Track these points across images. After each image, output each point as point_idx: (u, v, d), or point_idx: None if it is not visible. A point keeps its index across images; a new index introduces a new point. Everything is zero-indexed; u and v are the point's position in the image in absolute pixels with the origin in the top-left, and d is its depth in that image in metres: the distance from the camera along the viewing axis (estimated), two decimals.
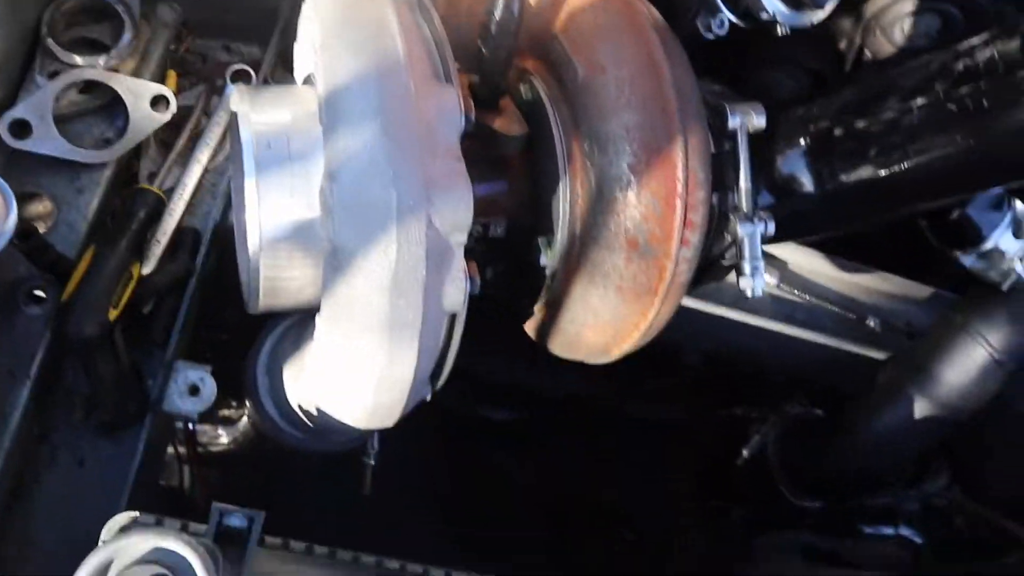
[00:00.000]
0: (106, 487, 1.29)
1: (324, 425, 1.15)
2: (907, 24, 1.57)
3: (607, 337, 1.13)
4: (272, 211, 0.99)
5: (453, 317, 0.98)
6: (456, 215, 0.90)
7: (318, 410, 1.09)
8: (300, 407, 1.18)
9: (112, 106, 1.36)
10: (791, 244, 1.76)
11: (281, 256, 1.01)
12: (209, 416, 1.90)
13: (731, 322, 1.72)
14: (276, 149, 1.00)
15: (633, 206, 1.02)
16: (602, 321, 1.11)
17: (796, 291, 1.75)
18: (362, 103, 0.88)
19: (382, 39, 0.91)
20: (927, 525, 2.01)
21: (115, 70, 1.35)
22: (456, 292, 0.93)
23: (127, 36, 1.35)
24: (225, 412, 1.86)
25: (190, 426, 1.80)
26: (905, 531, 2.04)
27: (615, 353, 1.17)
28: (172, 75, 1.45)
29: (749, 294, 1.15)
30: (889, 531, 2.02)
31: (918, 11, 1.55)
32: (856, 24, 1.64)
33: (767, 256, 1.76)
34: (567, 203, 1.07)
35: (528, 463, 2.04)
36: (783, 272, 1.76)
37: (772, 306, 1.77)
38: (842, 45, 1.69)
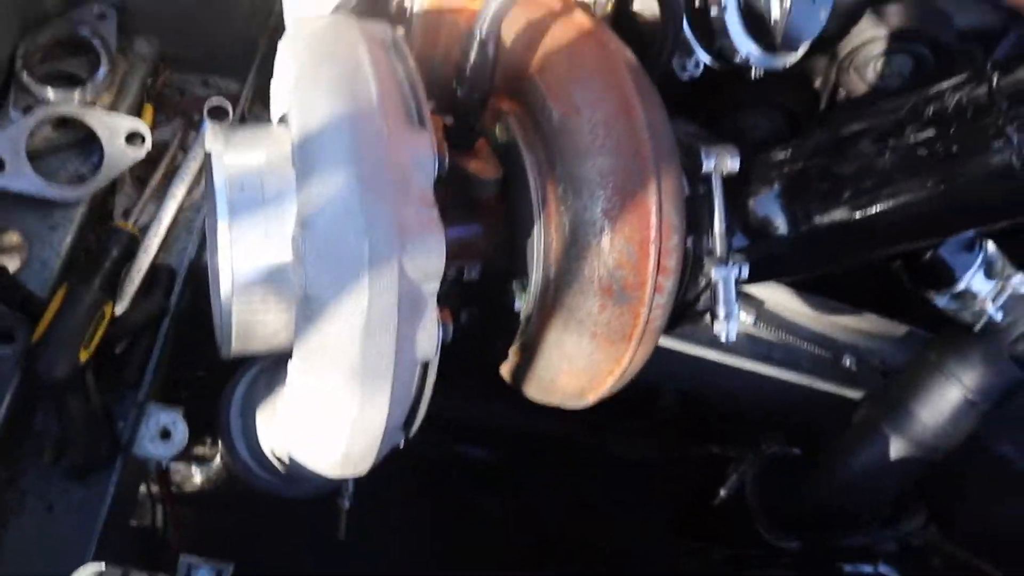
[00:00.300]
0: (76, 532, 1.26)
1: (296, 471, 1.14)
2: (879, 64, 1.59)
3: (581, 383, 1.12)
4: (245, 254, 0.98)
5: (426, 365, 0.97)
6: (429, 263, 0.89)
7: (290, 456, 1.08)
8: (272, 452, 1.17)
9: (87, 141, 1.35)
10: (768, 283, 1.77)
11: (254, 300, 1.00)
12: (183, 455, 1.88)
13: (707, 362, 1.73)
14: (250, 191, 0.99)
15: (607, 252, 1.01)
16: (576, 367, 1.10)
17: (773, 330, 1.75)
18: (335, 148, 0.88)
19: (356, 81, 0.91)
20: (905, 564, 2.01)
21: (91, 104, 1.34)
22: (428, 340, 0.93)
23: (103, 70, 1.34)
24: (199, 450, 1.83)
25: (163, 465, 1.79)
26: (884, 569, 2.04)
27: (590, 398, 1.16)
28: (149, 109, 1.44)
29: (723, 338, 1.15)
30: (868, 569, 2.03)
31: (890, 51, 1.57)
32: (831, 64, 1.66)
33: (744, 296, 1.78)
34: (541, 247, 1.07)
35: (507, 502, 2.02)
36: (760, 311, 1.77)
37: (749, 345, 1.77)
38: (817, 84, 1.72)
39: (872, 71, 1.61)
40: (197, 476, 1.82)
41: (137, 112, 1.41)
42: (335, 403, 0.91)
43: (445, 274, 1.11)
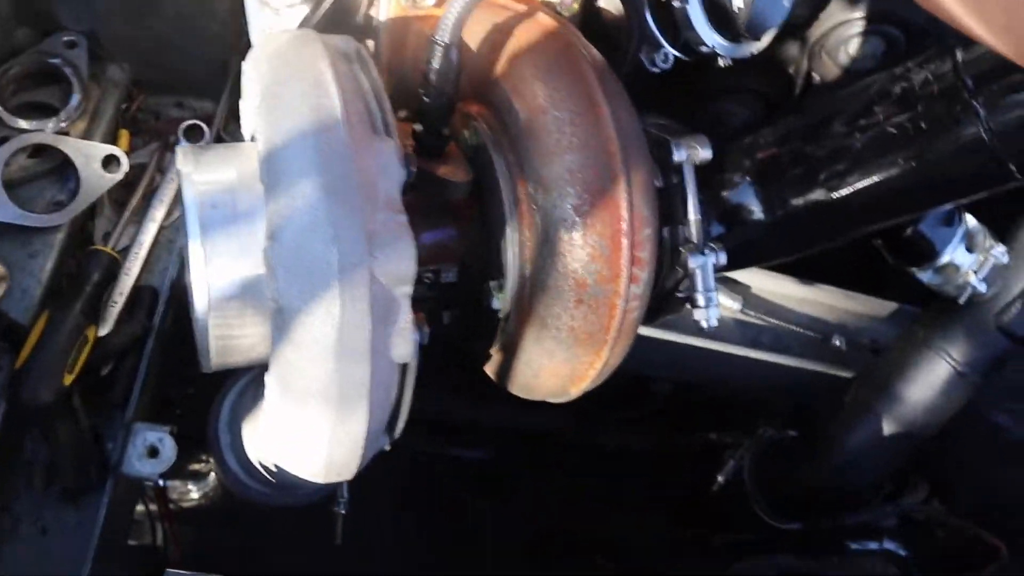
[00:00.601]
0: (70, 554, 1.27)
1: (285, 480, 1.14)
2: (851, 47, 1.60)
3: (563, 378, 1.13)
4: (219, 271, 0.99)
5: (404, 368, 0.98)
6: (400, 268, 0.90)
7: (276, 466, 1.09)
8: (259, 463, 1.17)
9: (63, 168, 1.36)
10: (753, 268, 1.78)
11: (231, 315, 1.01)
12: (179, 471, 1.90)
13: (697, 350, 1.73)
14: (222, 209, 1.00)
15: (580, 247, 1.02)
16: (557, 362, 1.11)
17: (761, 315, 1.76)
18: (300, 161, 0.88)
19: (319, 94, 0.91)
20: (911, 539, 2.02)
21: (65, 132, 1.35)
22: (405, 344, 0.93)
23: (75, 98, 1.35)
24: (195, 466, 1.84)
25: (160, 483, 1.80)
26: (890, 545, 2.04)
27: (573, 393, 1.17)
28: (124, 134, 1.45)
29: (704, 325, 1.16)
30: (874, 546, 2.03)
31: (861, 34, 1.57)
32: (802, 49, 1.66)
33: (730, 282, 1.78)
34: (515, 247, 1.08)
35: (502, 500, 2.02)
36: (747, 296, 1.77)
37: (737, 331, 1.78)
38: (791, 70, 1.72)
39: (844, 54, 1.61)
40: (194, 492, 1.84)
41: (113, 137, 1.42)
42: (313, 413, 0.92)
43: (422, 277, 1.13)
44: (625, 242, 1.02)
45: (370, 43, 1.23)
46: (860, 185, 1.20)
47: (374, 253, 0.88)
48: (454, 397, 1.90)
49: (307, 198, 0.87)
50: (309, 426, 0.94)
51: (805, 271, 1.81)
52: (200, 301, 1.00)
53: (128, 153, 1.41)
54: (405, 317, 0.93)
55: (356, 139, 0.90)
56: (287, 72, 0.94)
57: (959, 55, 1.10)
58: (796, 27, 1.63)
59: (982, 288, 1.53)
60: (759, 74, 1.70)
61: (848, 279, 1.85)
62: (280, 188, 0.89)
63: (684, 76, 1.42)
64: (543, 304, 1.07)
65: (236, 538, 1.87)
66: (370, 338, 0.89)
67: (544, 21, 1.12)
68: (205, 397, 1.35)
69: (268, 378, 0.96)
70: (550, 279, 1.05)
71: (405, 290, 0.92)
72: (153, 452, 1.25)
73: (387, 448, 1.09)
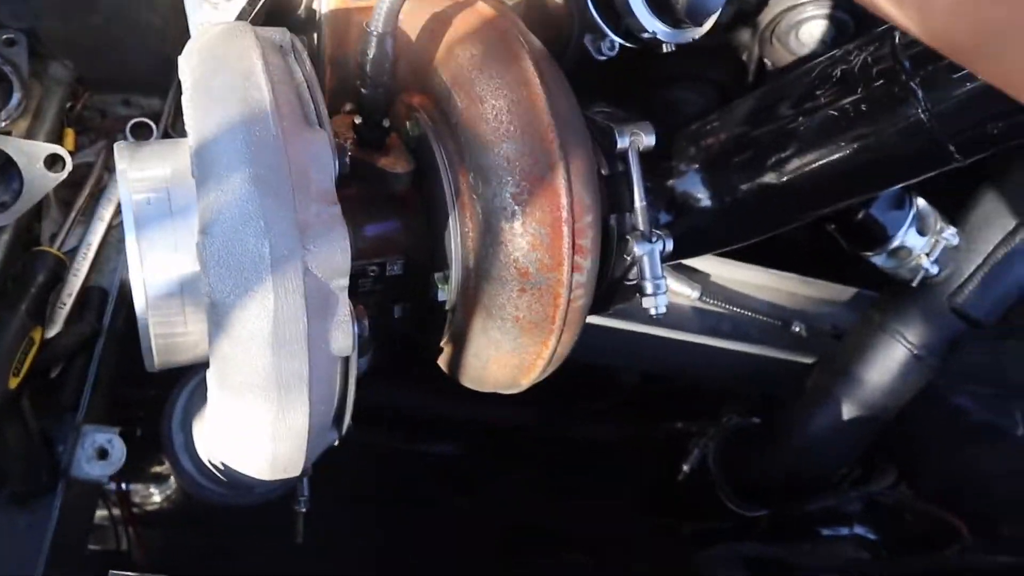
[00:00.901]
0: (22, 559, 1.25)
1: (238, 479, 1.13)
2: (801, 32, 1.60)
3: (512, 368, 1.13)
4: (156, 268, 0.98)
5: (346, 360, 0.97)
6: (334, 260, 0.89)
7: (224, 464, 1.08)
8: (210, 462, 1.17)
9: (5, 169, 1.34)
10: (712, 256, 1.78)
11: (171, 312, 1.01)
12: (141, 474, 1.88)
13: (657, 339, 1.73)
14: (156, 205, 1.00)
15: (520, 236, 1.02)
16: (504, 353, 1.10)
17: (720, 303, 1.76)
18: (229, 153, 0.87)
19: (248, 87, 0.90)
20: (880, 523, 2.03)
21: (7, 132, 1.33)
22: (344, 337, 0.92)
23: (16, 97, 1.33)
24: (157, 469, 1.83)
25: (123, 486, 1.78)
26: (860, 530, 2.06)
27: (524, 383, 1.17)
28: (70, 133, 1.43)
29: (653, 312, 1.15)
30: (845, 531, 2.04)
31: (810, 18, 1.58)
32: (753, 35, 1.67)
33: (689, 270, 1.79)
34: (458, 237, 1.07)
35: (472, 496, 2.02)
36: (706, 284, 1.78)
37: (697, 319, 1.78)
38: (744, 57, 1.73)
39: (794, 40, 1.62)
40: (156, 495, 1.82)
41: (58, 136, 1.40)
42: (253, 409, 0.91)
43: (366, 270, 1.13)
44: (566, 230, 1.02)
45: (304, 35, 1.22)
46: (806, 169, 1.21)
47: (307, 245, 0.88)
48: (419, 392, 1.89)
49: (237, 191, 0.86)
50: (250, 422, 0.93)
51: (768, 258, 1.81)
52: (138, 299, 0.99)
53: (74, 152, 1.39)
54: (343, 310, 0.92)
55: (286, 130, 0.90)
56: (216, 64, 0.93)
57: (897, 37, 1.10)
58: (747, 13, 1.64)
59: (934, 270, 1.54)
60: (712, 61, 1.70)
61: (814, 266, 1.86)
62: (210, 182, 0.88)
63: (636, 64, 1.42)
64: (487, 294, 1.07)
65: (201, 539, 1.85)
66: (306, 331, 0.88)
67: (483, 10, 1.11)
68: (165, 399, 1.34)
69: (208, 374, 0.95)
70: (493, 269, 1.05)
71: (341, 282, 0.91)
72: (103, 454, 1.24)
73: (336, 443, 1.09)
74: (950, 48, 0.75)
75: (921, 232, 1.51)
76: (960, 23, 0.67)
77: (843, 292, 1.84)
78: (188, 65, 0.97)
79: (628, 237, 1.15)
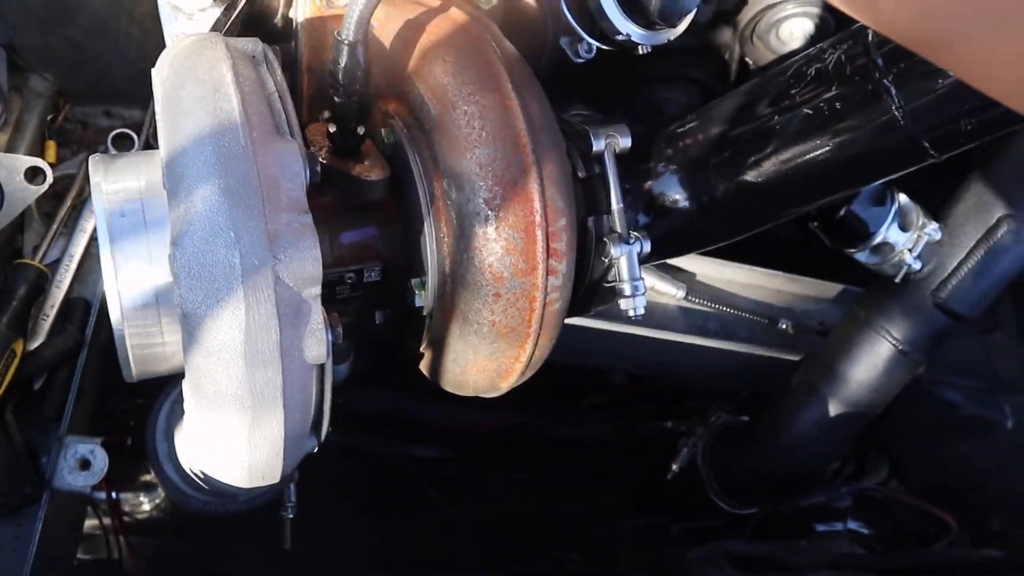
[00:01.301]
0: (8, 571, 1.26)
1: (220, 487, 1.14)
2: (781, 30, 1.60)
3: (490, 373, 1.13)
4: (131, 280, 0.99)
5: (321, 368, 0.97)
6: (305, 268, 0.89)
7: (204, 473, 1.08)
8: (191, 470, 1.17)
9: None
10: (698, 255, 1.78)
11: (146, 324, 1.01)
12: (131, 483, 1.89)
13: (644, 339, 1.74)
14: (131, 217, 1.00)
15: (494, 241, 1.02)
16: (482, 357, 1.11)
17: (706, 302, 1.77)
18: (199, 164, 0.88)
19: (217, 98, 0.91)
20: (873, 518, 2.04)
21: None
22: (317, 344, 0.93)
23: None
24: (146, 478, 1.83)
25: (113, 495, 1.79)
26: (853, 525, 2.06)
27: (503, 387, 1.17)
28: (51, 145, 1.44)
29: (632, 314, 1.15)
30: (840, 527, 2.05)
31: (790, 16, 1.58)
32: (734, 35, 1.67)
33: (674, 269, 1.79)
34: (434, 243, 1.08)
35: (462, 499, 2.02)
36: (691, 284, 1.78)
37: (683, 319, 1.79)
38: (726, 57, 1.73)
39: (775, 38, 1.62)
40: (145, 504, 1.83)
41: (39, 148, 1.41)
42: (227, 418, 0.91)
43: (344, 277, 1.13)
44: (539, 234, 1.02)
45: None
46: (783, 168, 1.21)
47: (277, 255, 0.88)
48: (405, 396, 1.90)
49: (207, 202, 0.86)
50: (226, 431, 0.93)
51: (754, 256, 1.82)
52: (114, 311, 0.99)
53: (56, 164, 1.40)
54: (316, 318, 0.93)
55: (256, 141, 0.90)
56: (186, 76, 0.93)
57: (871, 35, 1.11)
58: (727, 13, 1.64)
59: (917, 266, 1.54)
60: (694, 61, 1.70)
61: (800, 264, 1.86)
62: (181, 193, 0.88)
63: (618, 65, 1.42)
64: (463, 300, 1.07)
65: (191, 547, 1.86)
66: (279, 340, 0.88)
67: (456, 16, 1.12)
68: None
69: (184, 384, 0.95)
70: (468, 274, 1.05)
71: (314, 291, 0.92)
72: (85, 464, 1.24)
73: (315, 450, 1.09)
74: (900, 35, 0.75)
75: (903, 228, 1.52)
76: (906, 10, 0.67)
77: (829, 289, 1.84)
78: (159, 77, 0.98)
79: (606, 239, 1.15)
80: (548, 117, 1.08)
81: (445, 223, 1.07)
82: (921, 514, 1.92)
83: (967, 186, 1.59)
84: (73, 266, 1.38)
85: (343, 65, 1.02)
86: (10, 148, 1.37)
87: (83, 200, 1.44)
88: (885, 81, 1.09)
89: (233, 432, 0.93)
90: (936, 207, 1.59)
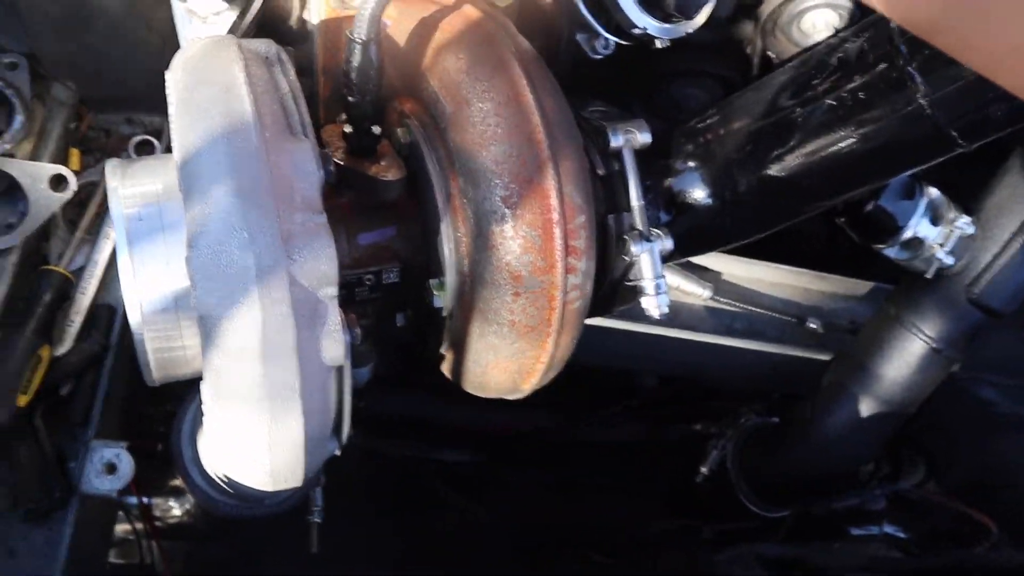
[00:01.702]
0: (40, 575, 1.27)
1: (245, 490, 1.14)
2: (803, 22, 1.57)
3: (511, 373, 1.12)
4: (149, 283, 0.99)
5: (340, 370, 0.97)
6: (320, 268, 0.89)
7: (227, 476, 1.08)
8: (215, 474, 1.17)
9: (11, 190, 1.36)
10: (724, 254, 1.76)
11: (166, 327, 1.01)
12: (160, 488, 1.90)
13: (672, 340, 1.71)
14: (148, 221, 1.00)
15: (511, 239, 1.01)
16: (503, 358, 1.09)
17: (733, 301, 1.74)
18: (212, 166, 0.88)
19: (229, 100, 0.91)
20: (909, 521, 1.99)
21: (10, 154, 1.35)
22: (335, 346, 0.92)
23: (19, 119, 1.35)
24: (175, 483, 1.85)
25: (144, 500, 1.80)
26: (890, 528, 2.02)
27: (525, 388, 1.15)
28: (75, 153, 1.45)
29: (654, 313, 1.14)
30: (875, 530, 2.00)
31: (812, 7, 1.55)
32: (755, 28, 1.64)
33: (700, 269, 1.76)
34: (452, 243, 1.07)
35: (490, 502, 2.01)
36: (718, 283, 1.75)
37: (710, 319, 1.76)
38: (747, 50, 1.70)
39: (797, 30, 1.58)
40: (176, 509, 1.84)
41: (63, 156, 1.42)
42: (247, 421, 0.91)
43: (362, 279, 1.13)
44: (557, 231, 1.01)
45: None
46: (807, 161, 1.19)
47: (292, 255, 0.87)
48: (433, 398, 1.89)
49: (220, 203, 0.86)
50: (245, 433, 0.93)
51: (781, 254, 1.79)
52: (133, 315, 0.99)
53: (80, 172, 1.41)
54: (334, 319, 0.92)
55: (269, 141, 0.90)
56: (199, 78, 0.94)
57: (892, 21, 1.08)
58: (748, 6, 1.61)
59: (949, 261, 1.51)
60: (714, 56, 1.68)
61: (829, 261, 1.83)
62: (195, 195, 0.88)
63: (636, 61, 1.41)
64: (483, 299, 1.06)
65: (223, 551, 1.87)
66: (295, 341, 0.88)
67: (470, 13, 1.11)
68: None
69: (203, 387, 0.95)
70: (487, 273, 1.04)
71: (330, 291, 0.91)
72: (111, 468, 1.24)
73: (337, 453, 1.08)
74: (912, 23, 0.73)
75: (934, 222, 1.48)
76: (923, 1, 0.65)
77: (858, 286, 1.81)
78: (173, 80, 0.98)
79: (626, 237, 1.14)
80: (564, 113, 1.07)
81: (462, 222, 1.06)
82: (959, 516, 1.88)
83: (1000, 177, 1.55)
84: (98, 272, 1.39)
85: (356, 64, 1.02)
86: (34, 156, 1.38)
87: (107, 207, 1.44)
88: (909, 68, 1.06)
89: (252, 434, 0.93)
90: (968, 199, 1.55)
